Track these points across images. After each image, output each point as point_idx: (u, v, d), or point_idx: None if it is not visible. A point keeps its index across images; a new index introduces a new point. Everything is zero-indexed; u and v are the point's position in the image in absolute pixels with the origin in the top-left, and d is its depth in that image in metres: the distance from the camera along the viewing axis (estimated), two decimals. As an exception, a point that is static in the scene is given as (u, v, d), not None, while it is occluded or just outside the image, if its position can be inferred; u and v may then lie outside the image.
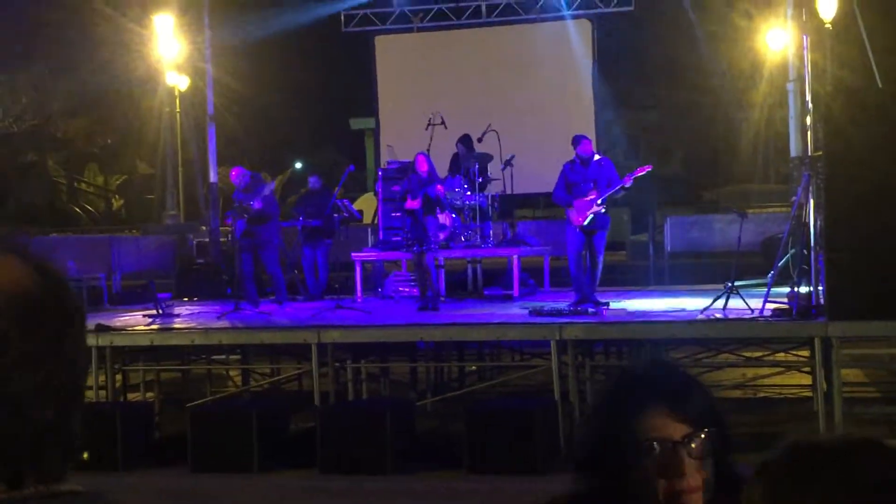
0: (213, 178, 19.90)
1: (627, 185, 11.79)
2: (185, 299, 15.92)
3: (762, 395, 12.35)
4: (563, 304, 11.73)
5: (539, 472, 9.31)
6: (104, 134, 35.23)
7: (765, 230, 16.48)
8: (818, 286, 10.16)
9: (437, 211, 13.19)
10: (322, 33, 23.83)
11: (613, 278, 15.23)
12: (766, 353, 12.06)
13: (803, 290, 10.36)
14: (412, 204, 12.75)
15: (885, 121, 9.56)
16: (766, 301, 10.51)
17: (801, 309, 10.07)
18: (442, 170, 14.67)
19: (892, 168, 9.37)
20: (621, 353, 11.72)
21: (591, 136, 15.99)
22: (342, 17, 22.63)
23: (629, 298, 13.21)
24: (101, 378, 11.37)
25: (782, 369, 11.86)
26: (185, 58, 21.26)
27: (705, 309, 10.87)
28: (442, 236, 13.87)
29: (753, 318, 10.28)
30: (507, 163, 15.66)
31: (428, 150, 13.61)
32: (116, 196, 35.90)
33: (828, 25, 16.46)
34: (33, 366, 1.29)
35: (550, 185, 12.43)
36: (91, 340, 10.80)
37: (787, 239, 10.83)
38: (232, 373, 13.90)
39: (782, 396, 12.33)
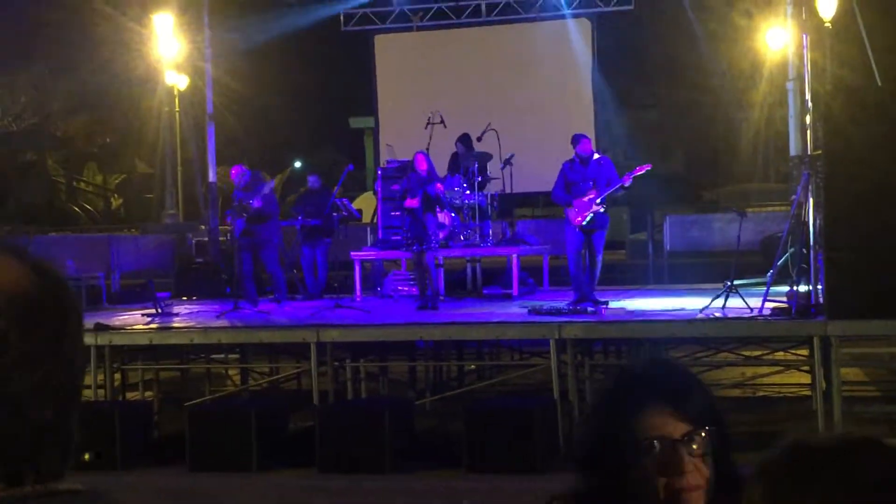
0: (212, 177, 19.91)
1: (627, 185, 11.77)
2: (184, 298, 15.90)
3: (761, 393, 12.36)
4: (562, 304, 11.70)
5: (538, 472, 9.30)
6: (103, 133, 35.26)
7: (764, 229, 16.49)
8: (817, 285, 10.17)
9: (437, 210, 13.18)
10: (321, 33, 23.80)
11: (613, 277, 15.22)
12: (765, 352, 12.06)
13: (803, 288, 10.35)
14: (411, 203, 12.74)
15: (884, 119, 9.56)
16: (765, 300, 10.50)
17: (800, 308, 10.06)
18: (441, 169, 14.66)
19: (892, 167, 9.37)
20: (620, 352, 11.73)
21: (591, 135, 16.00)
22: (342, 17, 22.63)
23: (628, 297, 13.20)
24: (100, 377, 11.37)
25: (781, 368, 11.89)
26: (185, 57, 21.25)
27: (704, 308, 10.86)
28: (441, 235, 13.85)
29: (753, 317, 10.28)
30: (507, 162, 15.66)
31: (427, 149, 13.61)
32: (116, 195, 35.90)
33: (827, 24, 16.46)
34: (32, 366, 1.29)
35: (550, 184, 12.42)
36: (90, 339, 10.81)
37: (786, 238, 10.83)
38: (231, 372, 13.90)
39: (782, 395, 12.34)
